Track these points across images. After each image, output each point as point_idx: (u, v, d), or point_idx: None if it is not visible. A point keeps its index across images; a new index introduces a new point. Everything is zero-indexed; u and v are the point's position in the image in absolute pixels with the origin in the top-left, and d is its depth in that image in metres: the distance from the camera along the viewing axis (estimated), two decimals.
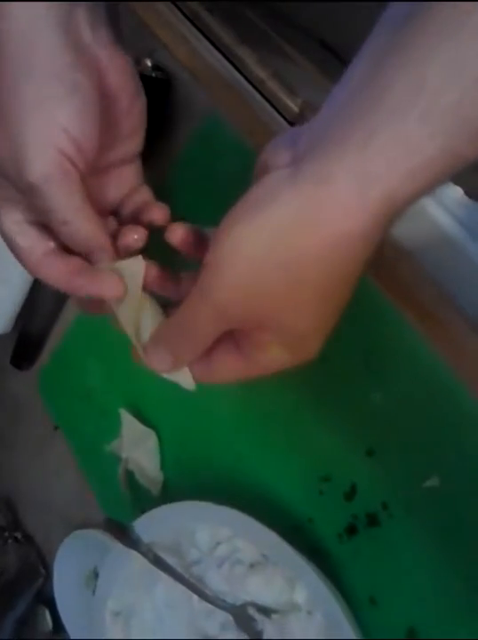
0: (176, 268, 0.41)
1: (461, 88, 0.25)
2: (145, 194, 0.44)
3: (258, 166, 0.34)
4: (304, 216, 0.29)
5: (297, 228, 0.29)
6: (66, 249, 0.40)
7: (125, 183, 0.44)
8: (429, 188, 0.28)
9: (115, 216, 0.43)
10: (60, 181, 0.36)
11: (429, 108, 0.26)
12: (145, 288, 0.39)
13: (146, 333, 0.39)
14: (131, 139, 0.43)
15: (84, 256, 0.39)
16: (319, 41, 0.91)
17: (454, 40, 0.25)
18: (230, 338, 0.36)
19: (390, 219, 0.29)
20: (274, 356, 0.35)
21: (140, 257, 0.38)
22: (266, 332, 0.34)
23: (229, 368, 0.37)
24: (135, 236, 0.41)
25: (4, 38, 0.35)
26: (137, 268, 0.38)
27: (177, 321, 0.36)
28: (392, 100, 0.27)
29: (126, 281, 0.38)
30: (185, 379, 0.39)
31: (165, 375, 0.39)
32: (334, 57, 0.90)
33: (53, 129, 0.35)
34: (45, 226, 0.39)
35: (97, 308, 0.42)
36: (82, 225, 0.37)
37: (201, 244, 0.39)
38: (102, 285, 0.38)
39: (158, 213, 0.42)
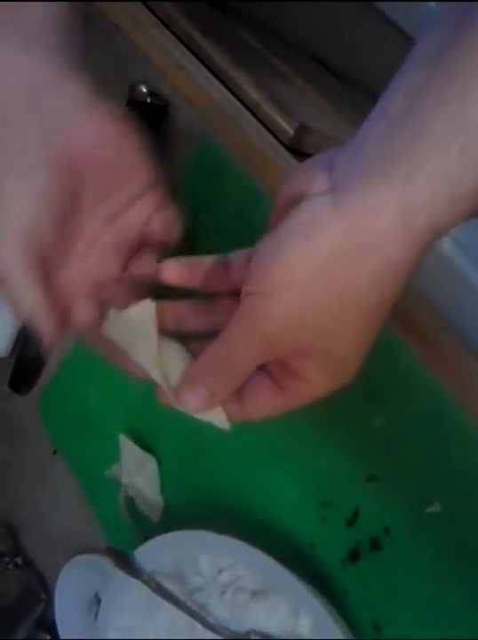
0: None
1: None
2: (163, 217, 0.45)
3: (287, 190, 0.35)
4: (353, 245, 0.30)
5: (346, 257, 0.30)
6: None
7: (139, 218, 0.44)
8: (468, 215, 0.29)
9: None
10: (17, 276, 0.38)
11: (469, 142, 0.27)
12: (163, 330, 0.38)
13: (174, 375, 0.37)
14: (132, 181, 0.43)
15: None
16: (312, 56, 0.91)
17: None
18: (263, 371, 0.36)
19: (430, 245, 0.30)
20: (314, 384, 0.35)
21: (148, 300, 0.38)
22: (308, 360, 0.34)
23: (266, 402, 0.37)
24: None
25: None
26: (147, 311, 0.38)
27: (215, 355, 0.35)
28: (433, 135, 0.28)
29: (138, 326, 0.38)
30: (219, 417, 0.38)
31: (198, 415, 0.38)
32: (328, 73, 0.90)
33: (10, 227, 0.38)
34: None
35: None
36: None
37: (204, 273, 0.39)
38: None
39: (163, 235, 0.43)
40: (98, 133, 0.40)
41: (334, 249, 0.30)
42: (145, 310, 0.38)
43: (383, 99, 0.31)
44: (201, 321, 0.41)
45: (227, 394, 0.36)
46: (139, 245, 0.44)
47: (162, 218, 0.44)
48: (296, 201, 0.33)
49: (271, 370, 0.36)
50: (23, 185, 0.38)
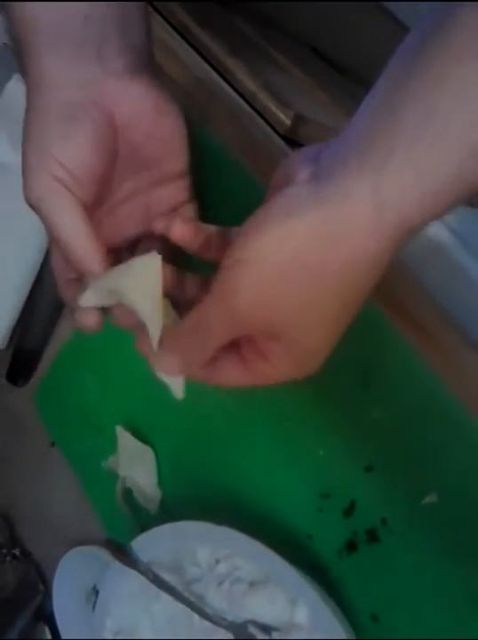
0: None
1: (470, 115, 0.26)
2: (190, 211, 0.46)
3: (278, 176, 0.36)
4: (326, 231, 0.30)
5: (320, 242, 0.31)
6: None
7: (168, 200, 0.45)
8: (441, 213, 0.29)
9: None
10: (55, 203, 0.38)
11: (438, 134, 0.27)
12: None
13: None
14: (166, 160, 0.44)
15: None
16: (311, 48, 0.91)
17: (465, 67, 0.26)
18: (234, 346, 0.37)
19: (402, 242, 0.30)
20: (277, 369, 0.36)
21: (155, 252, 0.38)
22: (276, 344, 0.35)
23: (229, 374, 0.38)
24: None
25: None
26: (153, 263, 0.38)
27: (189, 326, 0.36)
28: (404, 126, 0.28)
29: (142, 276, 0.38)
30: (177, 385, 0.39)
31: (160, 377, 0.39)
32: (327, 65, 0.90)
33: (48, 159, 0.38)
34: None
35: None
36: (75, 245, 0.39)
37: (205, 242, 0.40)
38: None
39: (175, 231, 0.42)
40: (138, 102, 0.41)
41: (309, 233, 0.31)
42: (151, 261, 0.38)
43: (369, 93, 0.31)
44: (186, 292, 0.42)
45: (199, 365, 0.38)
46: (149, 233, 0.44)
47: (181, 215, 0.44)
48: (281, 187, 0.33)
49: (242, 345, 0.37)
50: (68, 130, 0.39)
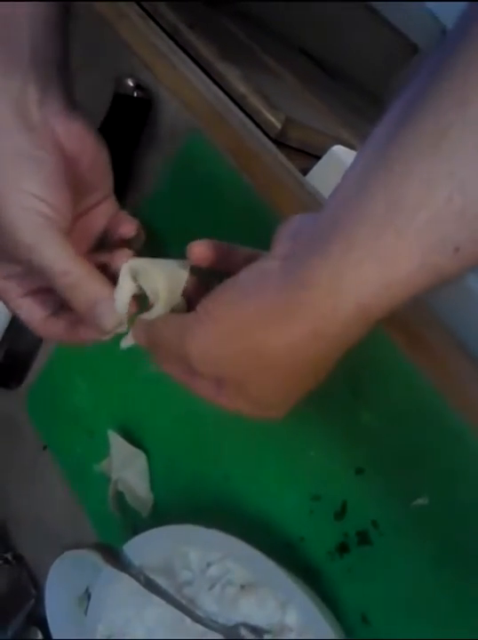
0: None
1: (435, 207, 0.27)
2: (121, 217, 0.48)
3: (277, 236, 0.37)
4: (282, 313, 0.32)
5: (273, 323, 0.33)
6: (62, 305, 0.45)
7: (102, 218, 0.47)
8: (403, 301, 0.30)
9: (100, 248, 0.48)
10: (50, 238, 0.40)
11: (406, 225, 0.27)
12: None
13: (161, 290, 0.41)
14: (101, 186, 0.46)
15: (87, 310, 0.41)
16: (301, 50, 0.91)
17: (429, 160, 0.27)
18: None
19: (366, 324, 0.31)
20: (241, 407, 0.39)
21: (187, 261, 0.41)
22: (235, 389, 0.38)
23: (204, 391, 0.40)
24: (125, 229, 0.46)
25: None
26: (184, 264, 0.41)
27: (158, 328, 0.39)
28: (373, 218, 0.28)
29: (171, 270, 0.41)
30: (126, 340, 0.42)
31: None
32: (316, 67, 0.90)
33: (30, 199, 0.39)
34: (41, 294, 0.45)
35: None
36: (80, 272, 0.40)
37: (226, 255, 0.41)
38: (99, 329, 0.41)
39: (127, 227, 0.46)
40: (82, 138, 0.43)
41: (263, 311, 0.33)
42: (183, 263, 0.42)
43: (344, 175, 0.32)
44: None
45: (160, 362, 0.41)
46: (101, 242, 0.48)
47: (122, 217, 0.47)
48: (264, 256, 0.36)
49: None
50: (31, 167, 0.40)
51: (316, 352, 0.33)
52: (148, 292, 0.40)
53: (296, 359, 0.34)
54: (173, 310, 0.41)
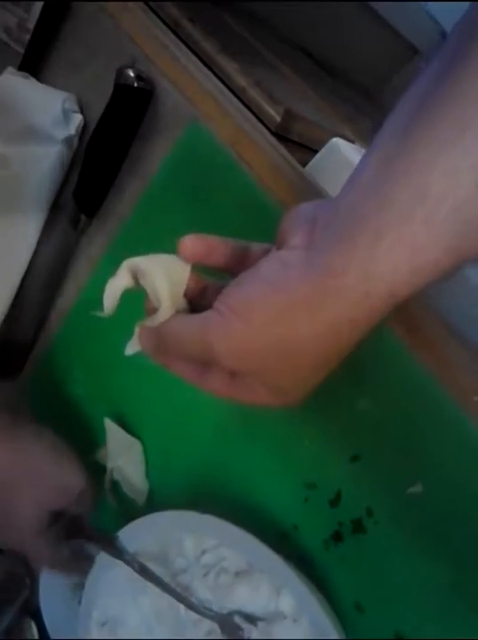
0: None
1: (462, 195, 0.28)
2: None
3: (279, 235, 0.37)
4: (312, 302, 0.32)
5: (304, 312, 0.32)
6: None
7: None
8: (433, 282, 0.31)
9: None
10: None
11: (432, 212, 0.28)
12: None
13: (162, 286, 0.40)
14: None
15: None
16: (300, 49, 0.91)
17: (453, 150, 0.28)
18: None
19: (392, 308, 0.32)
20: (258, 397, 0.38)
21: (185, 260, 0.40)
22: (254, 379, 0.37)
23: (215, 383, 0.39)
24: None
25: None
26: (184, 267, 0.40)
27: (170, 328, 0.38)
28: (398, 205, 0.29)
29: (173, 269, 0.40)
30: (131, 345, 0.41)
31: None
32: (316, 65, 0.91)
33: None
34: None
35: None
36: None
37: (224, 255, 0.40)
38: None
39: None
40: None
41: (294, 303, 0.33)
42: (183, 265, 0.40)
43: (357, 168, 0.32)
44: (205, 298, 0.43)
45: (159, 358, 0.40)
46: None
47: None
48: (281, 243, 0.36)
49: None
50: None
51: (346, 338, 0.33)
52: (150, 294, 0.40)
53: (326, 347, 0.34)
54: (177, 311, 0.40)
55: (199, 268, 0.41)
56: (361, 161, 0.32)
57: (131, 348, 0.41)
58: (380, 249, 0.30)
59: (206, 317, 0.36)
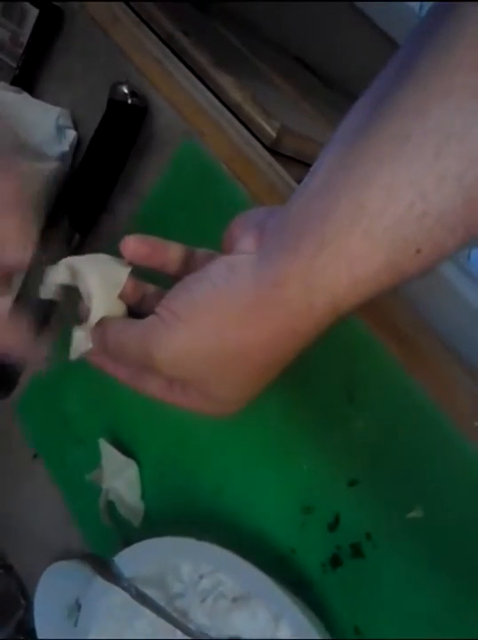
0: None
1: (398, 213, 0.28)
2: None
3: (227, 238, 0.37)
4: (256, 309, 0.32)
5: (247, 319, 0.32)
6: None
7: None
8: (373, 295, 0.31)
9: None
10: None
11: (370, 227, 0.29)
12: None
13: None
14: None
15: None
16: (295, 58, 0.91)
17: (391, 165, 0.28)
18: None
19: (335, 319, 0.32)
20: (195, 404, 0.38)
21: (127, 263, 0.40)
22: (192, 387, 0.37)
23: (152, 387, 0.39)
24: None
25: None
26: (123, 270, 0.39)
27: (112, 335, 0.37)
28: (339, 218, 0.29)
29: (108, 271, 0.39)
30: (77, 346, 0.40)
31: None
32: (311, 74, 0.90)
33: None
34: None
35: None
36: None
37: (167, 258, 0.40)
38: None
39: None
40: None
41: (238, 309, 0.33)
42: (123, 264, 0.40)
43: (309, 174, 0.32)
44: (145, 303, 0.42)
45: (110, 371, 0.40)
46: None
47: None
48: (229, 247, 0.36)
49: None
50: None
51: (290, 348, 0.34)
52: (83, 294, 0.39)
53: (269, 356, 0.34)
54: (110, 314, 0.39)
55: (143, 275, 0.41)
56: (312, 168, 0.32)
57: (74, 352, 0.40)
58: (321, 260, 0.30)
59: (147, 324, 0.35)
